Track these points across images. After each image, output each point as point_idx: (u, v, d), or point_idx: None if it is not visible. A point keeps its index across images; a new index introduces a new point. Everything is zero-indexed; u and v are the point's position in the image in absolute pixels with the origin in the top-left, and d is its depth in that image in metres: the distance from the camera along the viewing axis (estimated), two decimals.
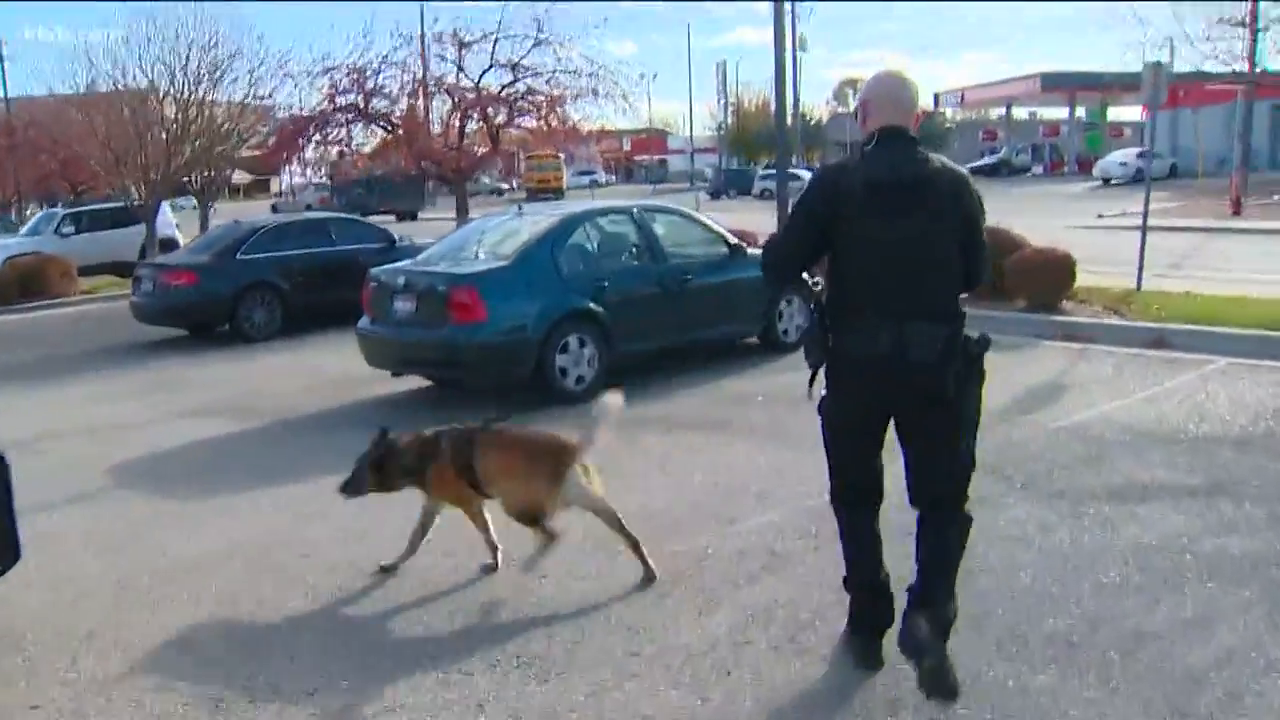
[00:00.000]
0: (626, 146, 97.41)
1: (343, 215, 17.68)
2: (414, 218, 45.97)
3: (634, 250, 9.78)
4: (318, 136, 21.54)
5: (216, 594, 5.25)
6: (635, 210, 9.97)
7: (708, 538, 5.60)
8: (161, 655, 4.60)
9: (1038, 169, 65.30)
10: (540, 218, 9.68)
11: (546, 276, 8.95)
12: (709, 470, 6.85)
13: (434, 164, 21.46)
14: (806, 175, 44.77)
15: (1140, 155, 50.72)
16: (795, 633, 4.41)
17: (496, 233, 9.78)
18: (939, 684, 3.57)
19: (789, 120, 19.24)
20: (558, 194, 56.13)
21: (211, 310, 14.04)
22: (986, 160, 64.07)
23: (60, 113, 26.42)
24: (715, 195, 54.74)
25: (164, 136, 22.08)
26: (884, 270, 3.59)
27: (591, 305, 9.03)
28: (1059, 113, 70.80)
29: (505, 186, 69.23)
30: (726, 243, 10.26)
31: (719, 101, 79.32)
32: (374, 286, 9.47)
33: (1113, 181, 47.55)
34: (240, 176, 67.74)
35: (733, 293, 9.93)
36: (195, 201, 26.86)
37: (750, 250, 10.56)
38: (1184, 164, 49.04)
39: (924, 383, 3.57)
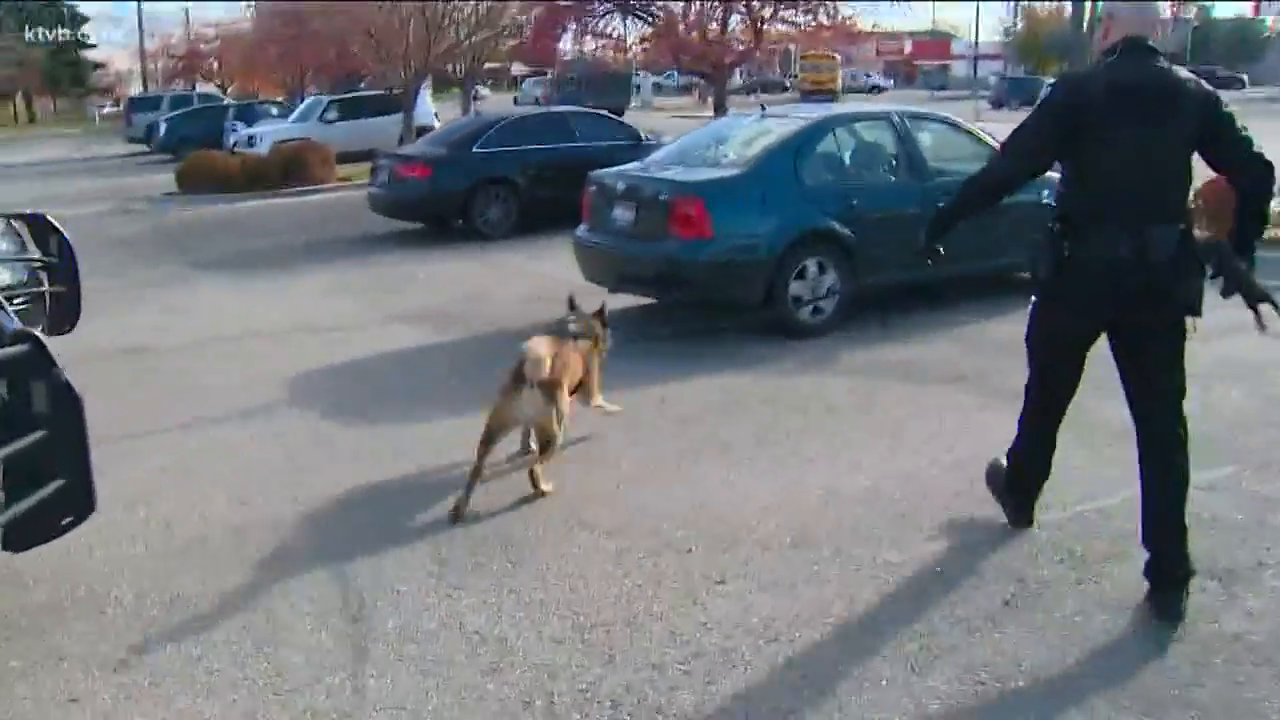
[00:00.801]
0: (908, 49, 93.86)
1: (589, 110, 16.87)
2: (620, 114, 44.91)
3: (892, 163, 8.44)
4: (576, 27, 20.73)
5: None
6: (896, 117, 8.56)
7: (939, 548, 4.42)
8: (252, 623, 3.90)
9: None
10: (785, 120, 8.47)
11: (786, 189, 7.78)
12: (955, 443, 5.62)
13: (692, 58, 20.37)
14: None
15: None
16: None
17: (735, 136, 8.65)
18: (1173, 613, 3.71)
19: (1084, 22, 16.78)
20: (833, 96, 54.53)
21: (445, 205, 13.58)
22: None
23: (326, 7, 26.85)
24: (997, 105, 51.14)
25: (424, 24, 21.90)
26: (1126, 175, 3.63)
27: (836, 226, 7.82)
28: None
29: (786, 84, 67.08)
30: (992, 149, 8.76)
31: (1009, 4, 74.10)
32: (593, 191, 8.56)
33: None
34: (519, 68, 68.76)
35: (1009, 218, 8.47)
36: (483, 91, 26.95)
37: None
38: None
39: (1158, 284, 3.64)
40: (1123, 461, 4.25)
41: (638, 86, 61.66)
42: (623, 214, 8.12)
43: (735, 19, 20.46)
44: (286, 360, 7.68)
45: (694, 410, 6.27)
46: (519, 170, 13.70)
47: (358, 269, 11.81)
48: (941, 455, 5.44)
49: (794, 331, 7.73)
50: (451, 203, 13.48)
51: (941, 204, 4.30)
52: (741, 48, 20.78)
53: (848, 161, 8.30)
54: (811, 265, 7.76)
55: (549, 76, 48.57)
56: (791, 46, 59.00)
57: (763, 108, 8.94)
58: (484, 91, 69.94)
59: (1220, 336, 7.57)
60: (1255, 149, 3.68)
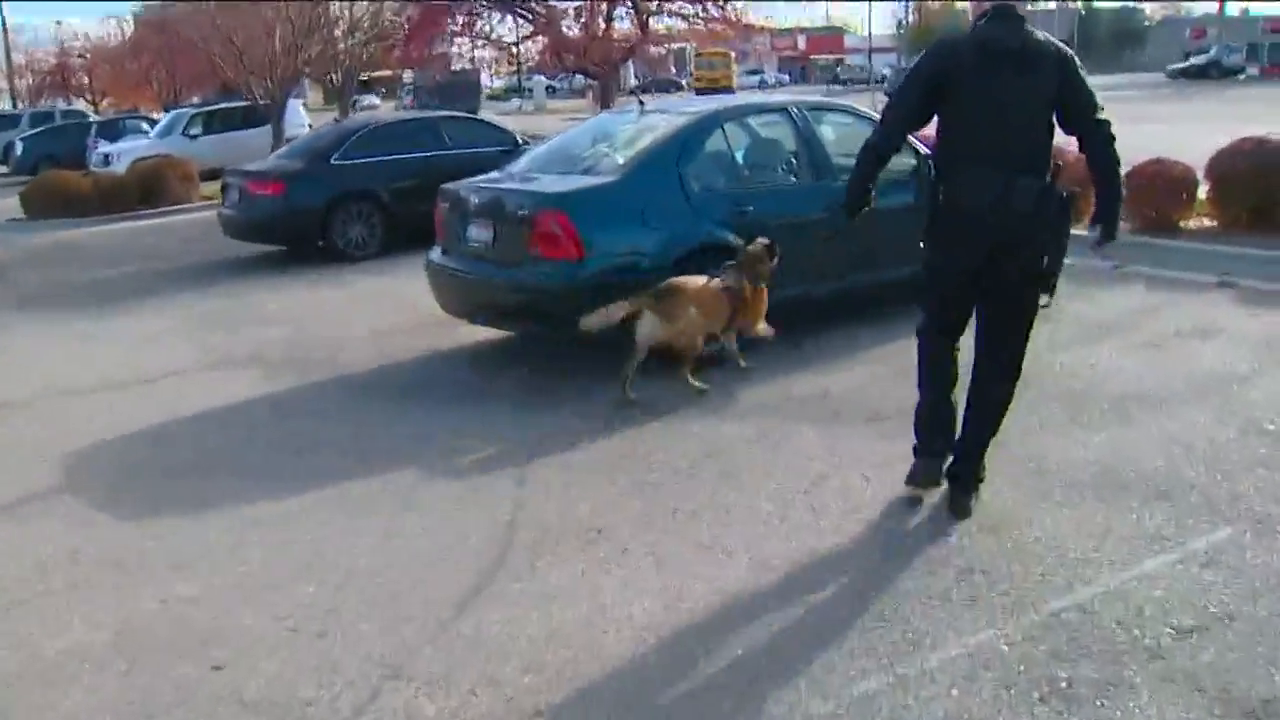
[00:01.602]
0: (803, 45, 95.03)
1: (462, 114, 15.57)
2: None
3: (792, 162, 7.33)
4: (451, 27, 19.38)
5: None
6: (795, 109, 7.41)
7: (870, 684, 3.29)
8: None
9: (1253, 70, 58.77)
10: (668, 117, 7.30)
11: (669, 197, 6.62)
12: (876, 513, 4.52)
13: (576, 57, 19.18)
14: None
15: None
16: None
17: (611, 137, 7.45)
18: (957, 507, 4.33)
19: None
20: (728, 93, 53.55)
21: (301, 225, 12.13)
22: (1193, 61, 58.11)
23: (195, 9, 25.11)
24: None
25: (291, 29, 20.37)
26: (993, 126, 4.01)
27: (731, 237, 6.69)
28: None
29: (681, 82, 66.73)
30: (915, 151, 7.70)
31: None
32: (445, 206, 7.31)
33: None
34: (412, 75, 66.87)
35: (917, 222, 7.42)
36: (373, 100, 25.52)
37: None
38: None
39: (1021, 230, 4.01)
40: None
41: (529, 90, 60.88)
42: (478, 233, 6.88)
43: (621, 13, 19.31)
44: (78, 427, 6.30)
45: (556, 483, 5.05)
46: (383, 183, 12.36)
47: (203, 302, 10.36)
48: (865, 543, 4.31)
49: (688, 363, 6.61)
50: (308, 222, 12.07)
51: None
52: (628, 44, 19.63)
53: (740, 162, 7.16)
54: None
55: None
56: (686, 45, 59.01)
57: (641, 103, 7.73)
58: (373, 101, 68.07)
59: (1180, 342, 6.75)
60: (1100, 115, 4.05)
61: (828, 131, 7.53)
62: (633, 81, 75.72)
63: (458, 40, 20.45)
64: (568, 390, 6.43)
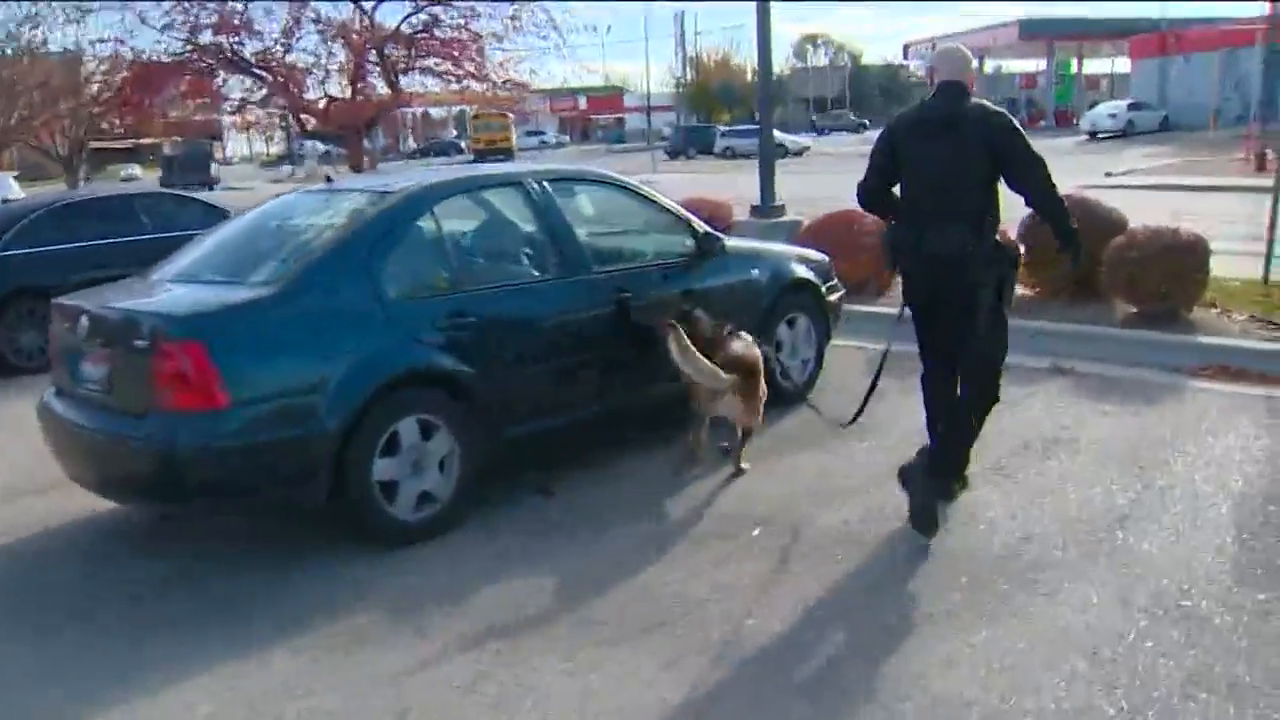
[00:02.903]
0: (583, 105, 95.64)
1: (162, 190, 13.32)
2: (210, 188, 41.70)
3: (528, 253, 5.61)
4: (174, 88, 16.97)
5: None
6: (532, 182, 5.65)
7: None
8: None
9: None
10: (359, 197, 5.43)
11: (355, 309, 4.77)
12: None
13: (316, 118, 17.12)
14: (783, 137, 40.66)
15: (1132, 107, 47.15)
16: None
17: (285, 226, 5.54)
18: (921, 519, 4.44)
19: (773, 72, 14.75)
20: (507, 155, 54.30)
21: None
22: None
23: None
24: (674, 155, 50.59)
25: None
26: (921, 183, 4.55)
27: (445, 359, 4.92)
28: (1030, 65, 66.90)
29: (460, 145, 65.12)
30: (693, 231, 6.12)
31: (677, 55, 75.01)
32: (59, 327, 5.23)
33: (1100, 136, 44.00)
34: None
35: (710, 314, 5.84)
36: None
37: (731, 242, 6.43)
38: (1175, 117, 45.17)
39: (946, 271, 4.43)
40: None
41: (300, 155, 58.28)
42: (92, 369, 4.85)
43: (372, 72, 17.37)
44: None
45: None
46: (59, 276, 9.94)
47: None
48: None
49: (389, 537, 4.76)
50: None
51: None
52: (377, 102, 17.67)
53: (457, 256, 5.35)
54: (408, 429, 4.78)
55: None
56: (465, 107, 57.47)
57: (328, 179, 5.83)
58: (134, 171, 63.59)
59: (1032, 464, 5.35)
60: (1037, 170, 4.41)
61: (579, 208, 5.87)
62: (411, 144, 73.94)
63: (187, 103, 17.96)
64: (212, 593, 4.44)
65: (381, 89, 17.68)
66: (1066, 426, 5.85)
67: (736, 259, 6.31)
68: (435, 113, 76.74)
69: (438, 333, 4.92)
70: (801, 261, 6.90)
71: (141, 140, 53.48)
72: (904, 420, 6.13)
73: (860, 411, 5.05)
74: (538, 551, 4.69)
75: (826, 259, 7.25)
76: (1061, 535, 4.46)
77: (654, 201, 6.09)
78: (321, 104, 16.90)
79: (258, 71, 17.37)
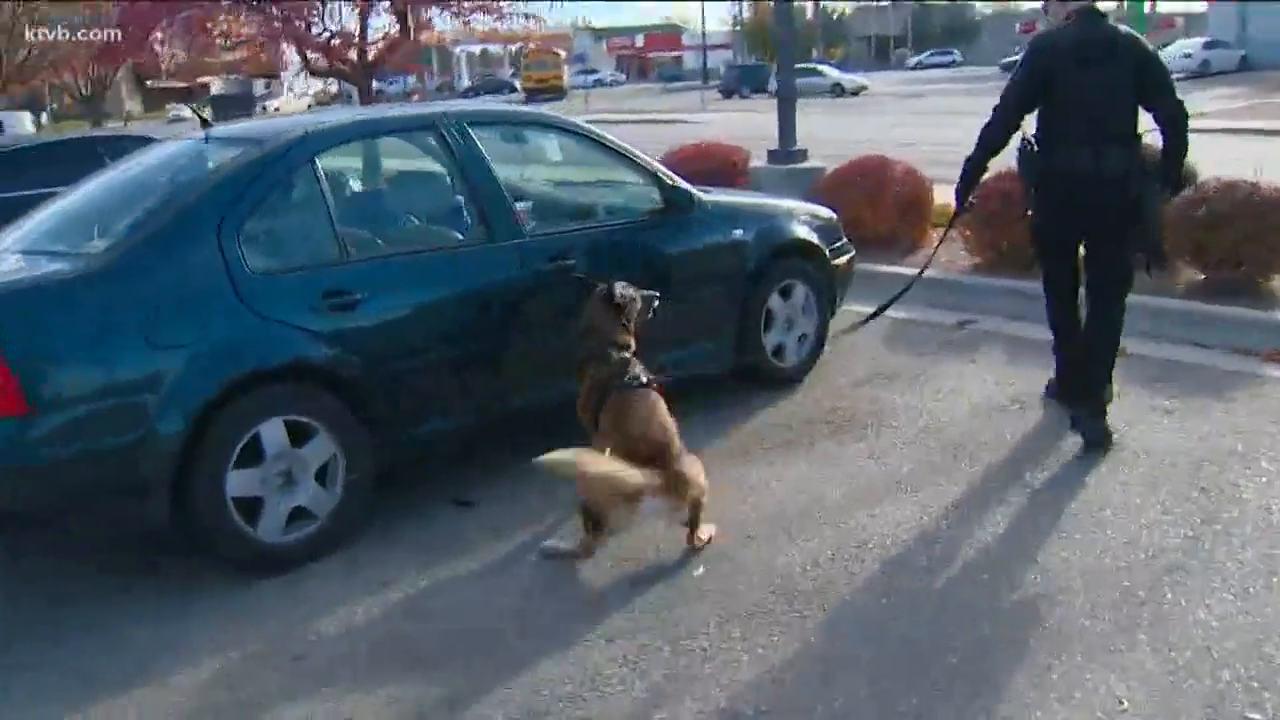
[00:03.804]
0: (640, 43, 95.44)
1: (126, 135, 12.44)
2: None
3: (440, 214, 4.60)
4: (172, 21, 15.99)
5: None
6: (447, 126, 4.53)
7: None
8: None
9: None
10: (228, 146, 4.37)
11: (196, 289, 3.79)
12: None
13: (321, 55, 16.10)
14: (829, 70, 39.95)
15: (1208, 45, 44.67)
16: None
17: (140, 182, 4.54)
18: (1093, 436, 4.58)
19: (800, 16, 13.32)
20: (558, 93, 55.00)
21: None
22: (1019, 56, 58.02)
23: None
24: (727, 94, 49.34)
25: None
26: (1083, 107, 4.52)
27: (322, 349, 3.96)
28: (1101, 5, 64.03)
29: (514, 84, 64.47)
30: (659, 184, 5.06)
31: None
32: None
33: (1176, 76, 41.54)
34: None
35: (674, 285, 4.81)
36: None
37: (710, 196, 5.36)
38: (1254, 56, 42.72)
39: (1114, 189, 4.48)
40: None
41: (349, 96, 57.92)
42: None
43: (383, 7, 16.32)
44: None
45: None
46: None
47: None
48: None
49: (252, 564, 3.87)
50: None
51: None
52: (385, 41, 16.59)
53: (344, 219, 4.26)
54: (272, 433, 3.84)
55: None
56: (513, 46, 56.61)
57: (205, 122, 4.80)
58: (182, 111, 63.48)
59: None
60: (1176, 95, 4.55)
61: (512, 158, 4.84)
62: (465, 82, 72.95)
63: (189, 40, 17.02)
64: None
65: (392, 27, 16.67)
66: (1114, 429, 4.75)
67: (715, 217, 5.23)
68: (493, 50, 75.91)
69: (312, 315, 3.94)
70: (802, 219, 5.82)
71: (199, 79, 53.48)
72: (904, 415, 5.10)
73: (875, 315, 6.25)
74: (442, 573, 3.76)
75: (834, 216, 6.16)
76: (1092, 592, 3.40)
77: (610, 149, 4.99)
78: (324, 38, 15.86)
79: (258, 5, 16.31)
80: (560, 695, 3.05)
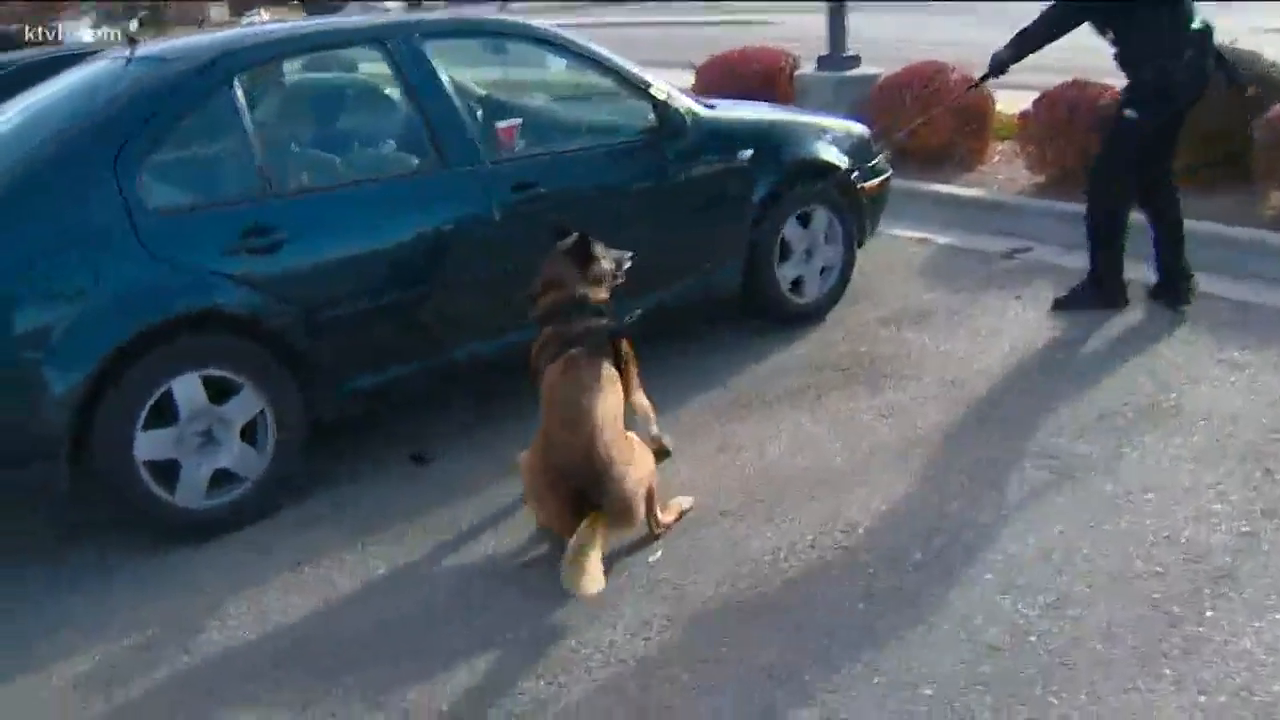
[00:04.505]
0: None
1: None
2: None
3: (385, 140, 4.09)
4: None
5: None
6: (398, 40, 3.90)
7: None
8: None
9: None
10: (143, 66, 3.81)
11: (89, 231, 3.33)
12: None
13: None
14: None
15: None
16: None
17: (53, 108, 4.01)
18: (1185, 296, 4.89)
19: None
20: None
21: None
22: None
23: None
24: None
25: None
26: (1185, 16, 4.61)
27: (237, 293, 3.49)
28: None
29: None
30: (651, 100, 4.45)
31: None
32: None
33: None
34: None
35: (665, 213, 4.24)
36: None
37: (713, 112, 4.74)
38: None
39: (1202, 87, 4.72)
40: None
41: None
42: None
43: None
44: None
45: None
46: None
47: None
48: None
49: (171, 531, 3.51)
50: None
51: None
52: None
53: (269, 148, 3.72)
54: (186, 389, 3.41)
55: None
56: None
57: (131, 41, 4.26)
58: (260, 16, 63.26)
59: None
60: None
61: (475, 74, 4.27)
62: None
63: None
64: None
65: None
66: (1169, 387, 4.10)
67: (716, 136, 4.61)
68: None
69: (229, 258, 3.46)
70: (827, 136, 5.16)
71: None
72: (931, 363, 4.51)
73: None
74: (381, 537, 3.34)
75: (866, 132, 5.48)
76: (1113, 605, 2.82)
77: (592, 60, 4.39)
78: None
79: None
80: None
